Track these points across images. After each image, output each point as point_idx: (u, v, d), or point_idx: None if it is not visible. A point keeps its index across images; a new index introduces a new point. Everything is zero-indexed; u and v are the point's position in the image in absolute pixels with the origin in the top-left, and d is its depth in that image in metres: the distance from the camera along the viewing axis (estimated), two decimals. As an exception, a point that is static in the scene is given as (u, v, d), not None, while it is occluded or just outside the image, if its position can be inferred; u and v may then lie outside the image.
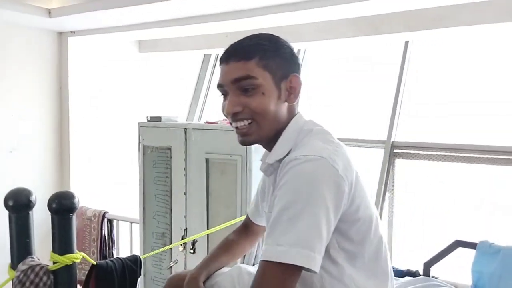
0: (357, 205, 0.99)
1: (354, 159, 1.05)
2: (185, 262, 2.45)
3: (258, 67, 1.03)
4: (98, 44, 3.43)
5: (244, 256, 2.05)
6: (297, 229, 0.89)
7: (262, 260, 0.92)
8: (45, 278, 1.25)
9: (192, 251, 2.39)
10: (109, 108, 3.47)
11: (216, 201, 2.38)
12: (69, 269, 1.29)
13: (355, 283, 1.03)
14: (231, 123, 1.09)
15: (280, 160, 1.06)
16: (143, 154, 2.64)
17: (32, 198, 1.31)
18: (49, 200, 1.27)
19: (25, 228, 1.29)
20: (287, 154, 1.05)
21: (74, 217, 1.32)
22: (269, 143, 1.11)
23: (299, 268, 0.89)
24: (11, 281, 1.26)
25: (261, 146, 1.16)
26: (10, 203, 1.27)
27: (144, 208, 2.65)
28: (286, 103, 1.08)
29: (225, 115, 1.09)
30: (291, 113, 1.10)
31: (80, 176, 3.30)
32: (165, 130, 2.57)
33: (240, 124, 1.07)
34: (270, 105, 1.04)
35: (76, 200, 1.31)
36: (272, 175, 1.12)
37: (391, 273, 1.12)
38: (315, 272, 0.90)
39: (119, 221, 2.99)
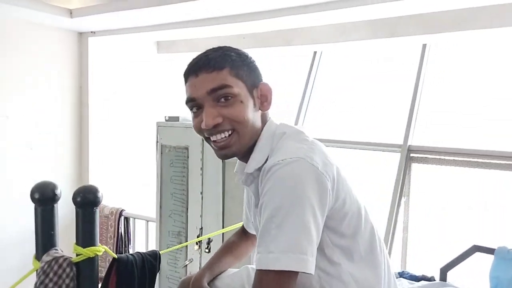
0: (343, 199, 1.00)
1: (334, 156, 1.06)
2: (200, 261, 2.47)
3: (231, 76, 1.02)
4: (118, 44, 3.49)
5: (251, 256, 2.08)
6: (286, 235, 0.90)
7: (257, 270, 0.92)
8: (68, 270, 1.28)
9: (207, 250, 2.41)
10: (128, 108, 3.52)
11: (232, 200, 2.40)
12: (92, 261, 1.32)
13: (354, 279, 1.04)
14: (207, 138, 1.06)
15: (259, 168, 1.05)
16: (161, 153, 2.67)
17: (57, 191, 1.34)
18: (74, 193, 1.30)
19: (50, 220, 1.32)
20: (265, 161, 1.04)
21: (97, 211, 1.35)
22: (245, 154, 1.09)
23: (294, 273, 0.90)
24: (35, 272, 1.30)
25: None
26: (36, 196, 1.30)
27: (160, 206, 2.68)
28: (259, 111, 1.08)
29: (201, 129, 1.04)
30: (264, 121, 1.10)
31: (99, 174, 3.36)
32: (183, 130, 2.60)
33: (219, 136, 1.03)
34: (249, 113, 1.03)
35: (100, 194, 1.34)
36: (252, 184, 1.11)
37: (387, 260, 1.13)
38: (310, 274, 0.91)
39: (136, 219, 3.03)
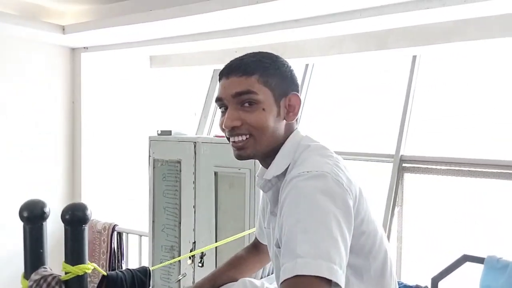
0: (361, 219, 0.99)
1: (356, 172, 1.05)
2: (194, 276, 2.46)
3: (259, 83, 1.04)
4: (110, 59, 3.51)
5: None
6: (314, 241, 0.83)
7: (283, 281, 0.82)
8: (57, 288, 1.27)
9: (200, 264, 2.40)
10: (121, 122, 3.53)
11: (225, 214, 2.40)
12: (81, 279, 1.31)
13: None
14: (228, 138, 1.09)
15: (278, 176, 1.07)
16: (153, 167, 2.67)
17: (46, 209, 1.34)
18: (62, 211, 1.30)
19: (39, 239, 1.32)
20: (285, 170, 1.06)
21: (86, 228, 1.34)
22: (265, 159, 1.11)
23: (326, 281, 0.79)
24: (24, 291, 1.29)
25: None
26: (25, 214, 1.30)
27: (153, 221, 2.67)
28: (284, 121, 1.08)
29: (222, 129, 1.09)
30: (289, 131, 1.11)
31: (91, 189, 3.35)
32: (175, 144, 2.61)
33: (237, 138, 1.06)
34: (269, 121, 1.05)
35: (88, 212, 1.33)
36: (270, 191, 1.11)
37: (395, 284, 1.12)
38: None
39: (129, 234, 3.02)
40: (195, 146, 2.52)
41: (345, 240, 0.87)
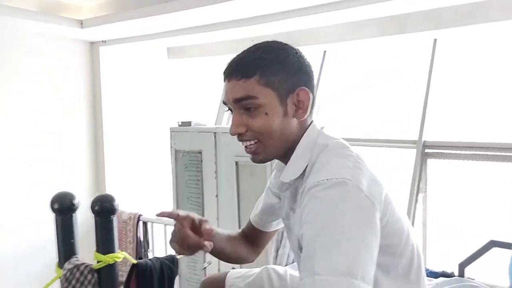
0: (386, 221, 0.95)
1: (377, 161, 1.02)
2: (219, 264, 2.49)
3: (259, 85, 0.98)
4: (128, 52, 3.55)
5: (276, 256, 2.08)
6: (334, 256, 0.80)
7: None
8: (89, 276, 1.32)
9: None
10: (141, 114, 3.58)
11: (247, 202, 2.42)
12: (112, 267, 1.36)
13: None
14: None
15: (295, 179, 1.03)
16: (175, 158, 2.71)
17: (75, 201, 1.39)
18: (92, 202, 1.34)
19: (69, 229, 1.37)
20: (303, 172, 1.02)
21: (115, 218, 1.38)
22: (283, 159, 1.07)
23: None
24: (58, 279, 1.34)
25: None
26: (56, 206, 1.35)
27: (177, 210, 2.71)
28: (294, 119, 1.02)
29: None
30: (303, 127, 1.04)
31: (115, 180, 3.42)
32: (196, 135, 2.63)
33: (246, 143, 1.04)
34: (274, 125, 1.00)
35: (116, 202, 1.38)
36: (287, 191, 1.09)
37: (423, 278, 1.11)
38: None
39: (154, 223, 3.08)
40: (215, 137, 2.54)
41: (368, 247, 0.84)
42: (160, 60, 3.75)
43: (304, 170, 1.02)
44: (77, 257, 1.37)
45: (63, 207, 1.35)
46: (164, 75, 3.75)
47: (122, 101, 3.50)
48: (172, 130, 2.73)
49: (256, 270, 1.42)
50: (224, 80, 1.04)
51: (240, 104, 1.00)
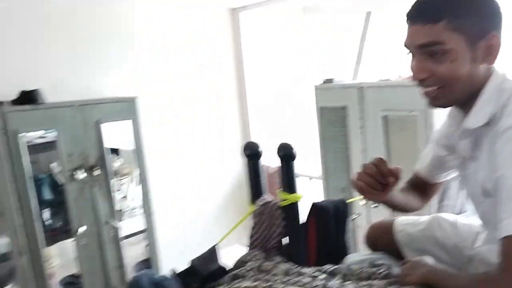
0: None
1: None
2: (367, 215, 2.59)
3: (447, 30, 0.94)
4: (267, 15, 3.70)
5: (439, 207, 2.09)
6: None
7: (502, 238, 0.86)
8: (278, 212, 1.52)
9: (375, 205, 2.49)
10: (284, 74, 3.74)
11: (398, 158, 2.43)
12: (295, 206, 1.54)
13: None
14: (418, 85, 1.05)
15: (482, 125, 1.02)
16: (321, 114, 2.82)
17: (260, 149, 1.59)
18: (278, 149, 1.53)
19: (258, 172, 1.57)
20: (491, 119, 1.01)
21: (294, 163, 1.56)
22: (462, 105, 1.06)
23: None
24: (251, 214, 1.57)
25: None
26: (247, 152, 1.56)
27: (324, 164, 2.86)
28: (481, 65, 0.99)
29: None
30: (488, 73, 1.01)
31: (260, 136, 3.69)
32: (340, 91, 2.69)
33: (427, 89, 1.03)
34: (461, 70, 0.97)
35: (295, 150, 1.55)
36: (466, 139, 1.07)
37: None
38: None
39: (299, 176, 3.28)
40: (360, 91, 2.57)
41: None
42: (297, 20, 3.82)
43: (493, 116, 1.01)
44: (263, 197, 1.58)
45: (253, 153, 1.55)
46: (302, 35, 3.83)
47: (264, 62, 3.69)
48: (317, 88, 2.83)
49: (425, 218, 1.45)
50: (407, 22, 1.02)
51: (424, 50, 0.99)
